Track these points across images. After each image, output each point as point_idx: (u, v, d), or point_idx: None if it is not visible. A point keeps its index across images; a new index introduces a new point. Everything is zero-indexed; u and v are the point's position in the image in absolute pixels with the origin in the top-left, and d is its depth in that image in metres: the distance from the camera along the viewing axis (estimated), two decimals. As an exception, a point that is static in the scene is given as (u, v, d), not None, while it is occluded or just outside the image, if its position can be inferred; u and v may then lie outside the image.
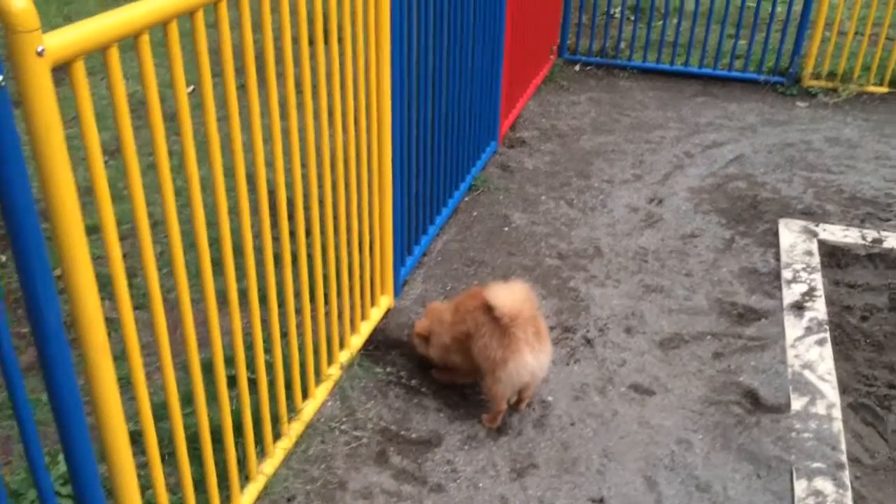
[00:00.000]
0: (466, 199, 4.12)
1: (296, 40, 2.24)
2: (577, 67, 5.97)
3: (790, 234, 3.83)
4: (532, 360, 2.49)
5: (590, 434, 2.65)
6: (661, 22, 6.11)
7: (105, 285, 1.74)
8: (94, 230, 1.67)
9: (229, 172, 2.06)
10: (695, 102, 5.45)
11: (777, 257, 3.66)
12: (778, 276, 3.52)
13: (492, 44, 4.11)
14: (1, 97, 1.33)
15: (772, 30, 5.56)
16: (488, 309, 2.49)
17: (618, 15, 6.49)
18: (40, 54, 1.38)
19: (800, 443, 2.63)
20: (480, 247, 3.72)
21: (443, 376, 2.83)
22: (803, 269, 3.55)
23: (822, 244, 3.75)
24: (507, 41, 4.37)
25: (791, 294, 3.39)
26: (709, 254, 3.69)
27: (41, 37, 1.37)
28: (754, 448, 2.61)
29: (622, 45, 6.08)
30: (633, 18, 6.11)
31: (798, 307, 3.31)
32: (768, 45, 5.59)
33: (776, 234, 3.84)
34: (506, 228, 3.89)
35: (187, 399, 2.41)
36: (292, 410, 2.56)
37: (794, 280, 3.48)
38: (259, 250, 2.28)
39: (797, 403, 2.80)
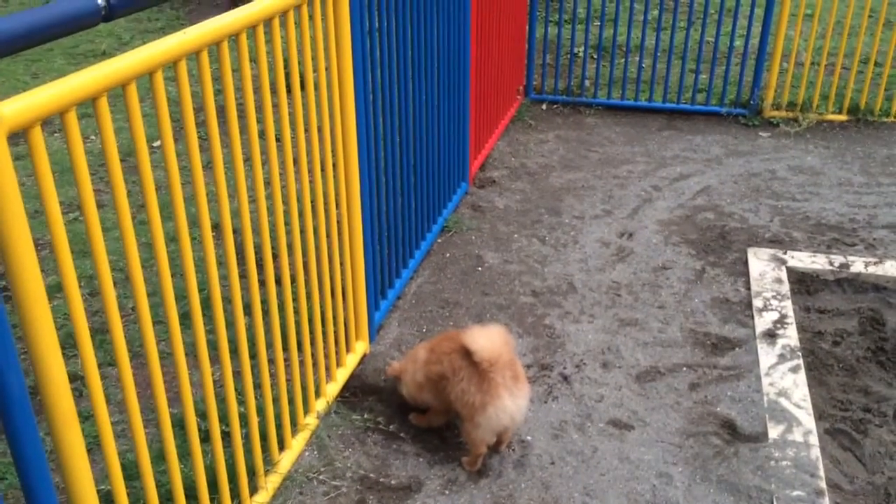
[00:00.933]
0: (439, 240, 4.13)
1: (257, 91, 2.26)
2: (544, 106, 6.06)
3: (759, 263, 3.88)
4: (511, 404, 2.49)
5: (570, 472, 2.64)
6: (623, 59, 6.24)
7: (75, 343, 1.72)
8: (59, 288, 1.66)
9: (197, 223, 2.06)
10: (660, 136, 5.55)
11: (747, 286, 3.70)
12: (749, 304, 3.56)
13: (458, 86, 4.17)
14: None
15: (731, 63, 5.71)
16: (466, 353, 2.50)
17: (581, 54, 6.63)
18: (-5, 122, 1.38)
19: (779, 471, 2.63)
20: (455, 287, 3.73)
21: (420, 421, 2.81)
22: (774, 297, 3.59)
23: (791, 271, 3.81)
24: (473, 84, 4.44)
25: (763, 322, 3.42)
26: (681, 285, 3.73)
27: (-4, 104, 1.38)
28: (734, 479, 2.61)
29: (587, 83, 6.20)
30: (596, 57, 6.25)
31: (770, 335, 3.34)
32: (729, 78, 5.73)
33: (745, 262, 3.89)
34: (479, 268, 3.91)
35: (160, 456, 2.37)
36: (269, 463, 2.52)
37: (766, 308, 3.52)
38: (229, 300, 2.27)
39: (774, 431, 2.81)
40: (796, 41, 5.53)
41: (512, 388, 2.49)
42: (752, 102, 5.73)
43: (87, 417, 2.49)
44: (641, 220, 4.35)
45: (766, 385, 3.04)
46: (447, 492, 2.56)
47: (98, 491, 1.79)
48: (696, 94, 5.81)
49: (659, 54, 5.79)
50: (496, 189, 4.76)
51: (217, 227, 3.64)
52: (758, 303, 3.56)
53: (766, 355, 3.21)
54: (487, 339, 2.48)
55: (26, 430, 1.57)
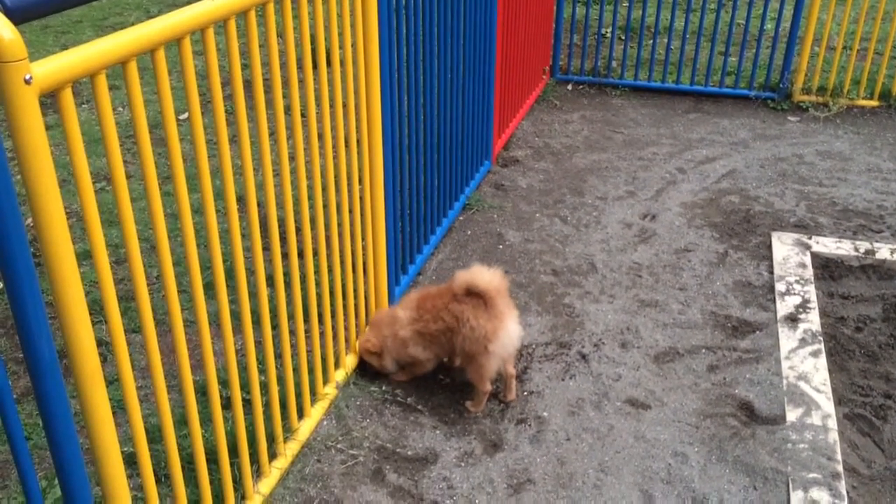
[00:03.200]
0: (461, 217, 4.14)
1: (284, 65, 2.28)
2: (570, 87, 6.03)
3: (783, 247, 3.85)
4: (515, 326, 2.72)
5: (586, 449, 2.65)
6: (651, 41, 6.17)
7: (102, 309, 1.76)
8: (89, 255, 1.70)
9: (222, 195, 2.09)
10: (687, 119, 5.50)
11: (770, 270, 3.67)
12: (772, 288, 3.54)
13: (483, 65, 4.16)
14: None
15: (762, 46, 5.63)
16: (464, 297, 2.68)
17: (609, 35, 6.56)
18: (28, 82, 1.41)
19: (796, 454, 2.63)
20: (476, 263, 3.73)
21: (403, 376, 2.93)
22: (797, 282, 3.57)
23: (816, 256, 3.77)
24: (499, 63, 4.43)
25: (785, 306, 3.40)
26: (702, 268, 3.71)
27: (28, 65, 1.41)
28: (750, 460, 2.61)
29: (614, 63, 6.15)
30: (624, 38, 6.19)
31: (792, 319, 3.32)
32: (758, 62, 5.65)
33: (769, 247, 3.86)
34: (500, 246, 3.92)
35: (182, 421, 2.42)
36: (288, 430, 2.57)
37: (788, 292, 3.50)
38: (252, 272, 2.31)
39: (792, 415, 2.80)
40: (828, 25, 5.44)
41: (513, 314, 2.73)
42: (781, 86, 5.65)
43: (111, 382, 2.54)
44: (665, 203, 4.33)
45: (785, 368, 3.03)
46: (463, 464, 2.59)
47: (122, 453, 1.84)
48: (724, 77, 5.74)
49: (688, 36, 5.71)
50: (519, 168, 4.75)
51: (241, 200, 3.68)
52: (780, 287, 3.53)
53: (787, 339, 3.20)
54: (487, 273, 2.70)
55: (55, 391, 1.61)
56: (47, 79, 1.46)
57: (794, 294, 3.48)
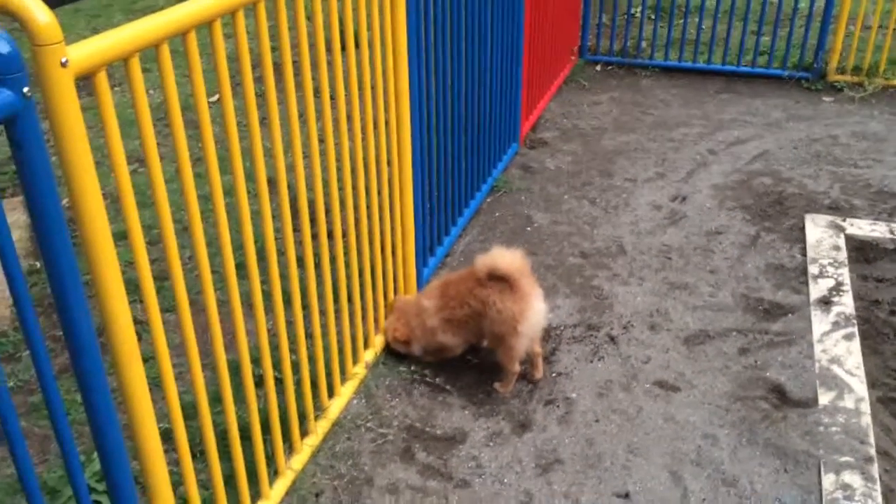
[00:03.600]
0: (488, 200, 4.14)
1: (313, 47, 2.28)
2: (598, 67, 5.97)
3: (817, 230, 3.79)
4: (542, 305, 2.75)
5: (614, 430, 2.66)
6: (682, 20, 6.08)
7: (137, 289, 1.80)
8: (123, 236, 1.73)
9: (253, 178, 2.11)
10: (718, 99, 5.42)
11: (803, 253, 3.62)
12: (804, 271, 3.49)
13: (511, 46, 4.13)
14: (27, 108, 1.38)
15: (795, 25, 5.52)
16: (488, 281, 2.69)
17: (638, 14, 6.47)
18: (64, 65, 1.44)
19: (828, 437, 2.61)
20: (502, 246, 3.73)
21: (432, 358, 2.94)
22: (830, 264, 3.52)
23: (850, 239, 3.71)
24: (527, 43, 4.40)
25: (818, 289, 3.36)
26: (734, 250, 3.67)
27: (64, 49, 1.43)
28: (782, 442, 2.60)
29: (643, 44, 6.07)
30: (654, 17, 6.10)
31: (825, 302, 3.28)
32: (792, 41, 5.55)
33: (802, 229, 3.81)
34: (528, 228, 3.91)
35: (216, 398, 2.47)
36: (319, 408, 2.61)
37: (821, 275, 3.45)
38: (282, 253, 2.33)
39: (825, 398, 2.78)
40: (864, 3, 5.31)
41: (538, 292, 2.76)
42: (815, 66, 5.54)
43: (146, 360, 2.59)
44: (695, 184, 4.28)
45: (818, 352, 2.99)
46: (491, 444, 2.61)
47: (158, 429, 1.88)
48: (757, 57, 5.64)
49: (719, 15, 5.62)
50: (547, 150, 4.73)
51: (272, 182, 3.71)
52: (813, 269, 3.49)
53: (820, 322, 3.16)
54: (508, 254, 2.71)
55: (94, 367, 1.65)
56: (83, 62, 1.49)
57: (828, 277, 3.43)
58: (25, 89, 1.37)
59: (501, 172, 4.35)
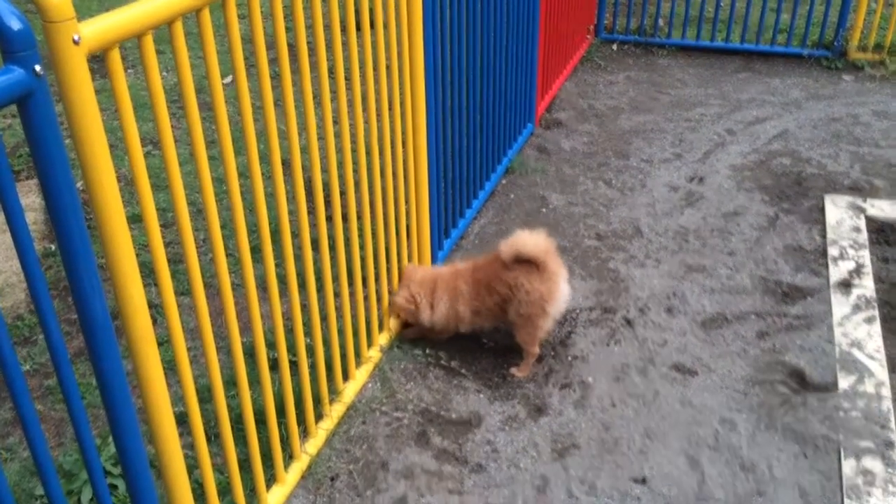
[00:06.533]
0: (503, 181, 4.10)
1: (328, 27, 2.25)
2: (615, 46, 5.88)
3: (837, 211, 3.73)
4: (567, 287, 2.76)
5: (631, 414, 2.63)
6: (700, -3, 5.98)
7: (151, 272, 1.78)
8: (137, 218, 1.71)
9: (267, 160, 2.09)
10: (736, 79, 5.33)
11: (823, 234, 3.57)
12: (824, 253, 3.44)
13: (527, 24, 4.07)
14: (40, 87, 1.36)
15: (815, 3, 5.41)
16: (513, 264, 2.68)
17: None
18: (76, 43, 1.41)
19: (848, 422, 2.58)
20: (518, 229, 3.69)
21: (441, 333, 2.92)
22: (850, 246, 3.46)
23: (871, 220, 3.66)
24: (543, 21, 4.33)
25: (838, 272, 3.31)
26: (752, 232, 3.62)
27: (77, 25, 1.40)
28: (801, 427, 2.56)
29: (660, 22, 5.97)
30: (671, -5, 5.99)
31: (845, 285, 3.23)
32: (812, 19, 5.44)
33: (822, 210, 3.75)
34: (543, 210, 3.87)
35: (231, 382, 2.46)
36: (333, 392, 2.60)
37: (841, 257, 3.40)
38: (296, 235, 2.31)
39: (845, 382, 2.74)
40: (889, -23, 5.20)
41: (564, 273, 2.77)
42: (836, 44, 5.44)
43: (160, 343, 2.59)
44: (713, 165, 4.22)
45: (838, 335, 2.95)
46: (507, 428, 2.59)
47: (173, 412, 1.87)
48: (776, 35, 5.54)
49: (738, -8, 5.52)
50: (563, 131, 4.67)
51: (286, 164, 3.69)
52: (833, 251, 3.43)
53: (840, 305, 3.11)
54: (532, 237, 2.70)
55: (109, 350, 1.64)
56: (95, 39, 1.46)
57: (848, 259, 3.38)
58: (37, 67, 1.35)
59: (516, 153, 4.30)
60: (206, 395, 2.45)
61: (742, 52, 5.64)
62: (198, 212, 3.29)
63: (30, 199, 3.62)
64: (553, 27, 4.60)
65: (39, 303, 1.46)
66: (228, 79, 4.77)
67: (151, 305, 1.75)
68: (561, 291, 2.74)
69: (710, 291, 3.24)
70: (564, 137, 4.59)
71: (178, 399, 2.27)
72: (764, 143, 4.44)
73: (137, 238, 3.31)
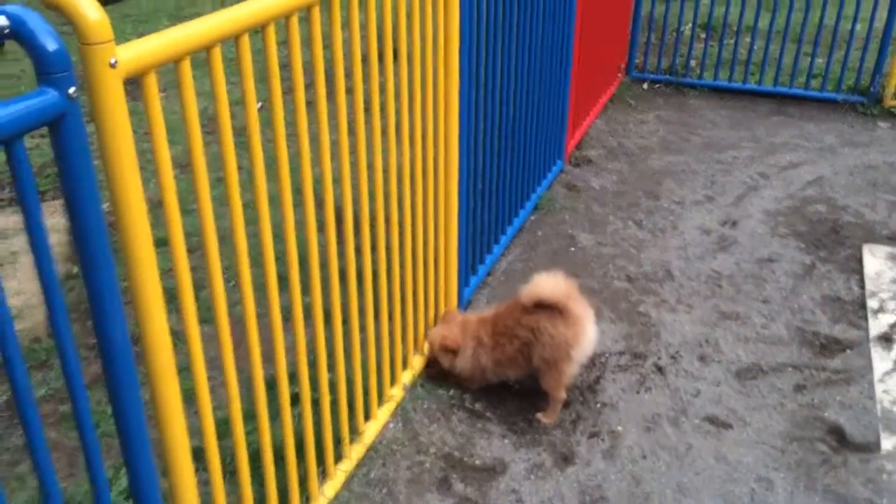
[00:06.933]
0: (532, 218, 4.03)
1: (365, 58, 2.20)
2: (646, 86, 5.84)
3: (875, 261, 3.62)
4: (594, 329, 2.65)
5: (662, 468, 2.52)
6: (732, 39, 5.94)
7: (171, 299, 1.72)
8: (160, 243, 1.65)
9: (298, 188, 2.03)
10: (769, 122, 5.26)
11: (861, 285, 3.46)
12: (863, 304, 3.32)
13: (560, 60, 4.03)
14: (73, 110, 1.31)
15: (851, 48, 5.34)
16: (535, 309, 2.58)
17: (688, 32, 6.33)
18: (113, 66, 1.36)
19: (892, 485, 2.44)
20: (545, 267, 3.59)
21: (473, 384, 2.82)
22: (891, 298, 3.35)
23: (911, 272, 3.54)
24: (576, 58, 4.29)
25: (878, 325, 3.19)
26: (787, 280, 3.52)
27: (114, 48, 1.36)
28: (842, 490, 2.44)
29: (692, 63, 5.93)
30: (704, 36, 5.96)
31: (886, 339, 3.11)
32: (847, 64, 5.37)
33: (860, 260, 3.64)
34: (572, 249, 3.79)
35: (249, 415, 2.38)
36: (354, 432, 2.50)
37: (881, 310, 3.28)
38: (324, 266, 2.24)
39: (888, 443, 2.61)
40: (928, 25, 5.12)
41: (590, 315, 2.65)
42: (872, 90, 5.36)
43: (181, 370, 2.51)
44: (746, 209, 4.13)
45: (879, 392, 2.83)
46: (532, 476, 2.48)
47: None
48: (810, 79, 5.47)
49: (772, 35, 5.46)
50: (592, 169, 4.60)
51: (316, 194, 3.64)
52: (873, 304, 3.32)
53: (881, 360, 2.99)
54: (551, 280, 2.61)
55: (127, 377, 1.57)
56: (132, 63, 1.41)
57: (889, 312, 3.26)
58: (72, 90, 1.30)
59: (545, 190, 4.23)
60: (222, 430, 2.37)
61: (775, 95, 5.57)
62: (220, 238, 3.24)
63: (55, 219, 3.59)
64: (585, 64, 4.56)
65: (58, 329, 1.39)
66: (260, 104, 4.77)
67: (172, 332, 1.69)
68: (587, 335, 2.63)
69: (745, 340, 3.12)
70: (594, 176, 4.52)
71: (193, 431, 2.19)
72: (798, 189, 4.35)
73: (160, 263, 3.27)
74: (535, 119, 3.79)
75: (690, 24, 5.99)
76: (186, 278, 1.70)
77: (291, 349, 2.15)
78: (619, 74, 5.77)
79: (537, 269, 3.58)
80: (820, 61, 5.78)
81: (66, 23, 1.35)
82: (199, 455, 1.98)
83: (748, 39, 6.00)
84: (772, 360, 3.00)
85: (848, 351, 3.05)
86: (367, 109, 2.25)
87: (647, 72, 5.88)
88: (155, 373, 1.66)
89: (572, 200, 4.23)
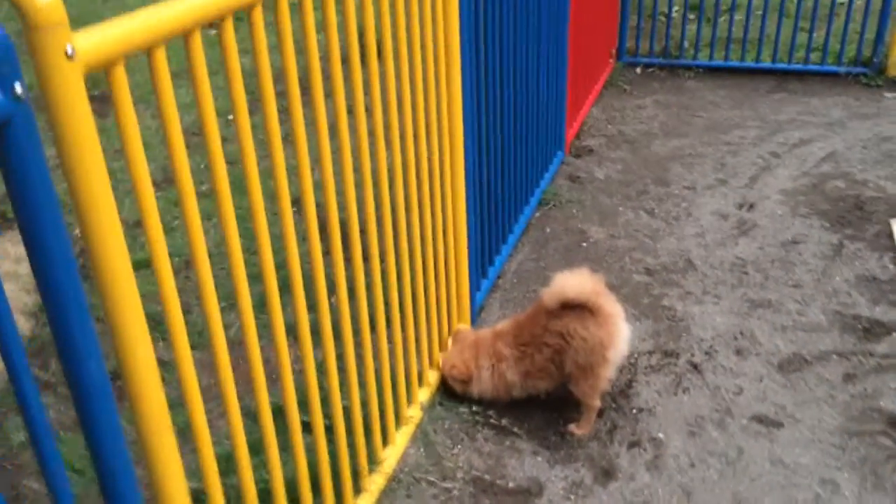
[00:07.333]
0: (537, 214, 3.80)
1: (363, 54, 1.96)
2: (639, 70, 5.63)
3: (906, 236, 3.42)
4: (627, 327, 2.43)
5: (714, 477, 2.29)
6: (725, 17, 5.74)
7: (154, 326, 1.47)
8: (137, 265, 1.40)
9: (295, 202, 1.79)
10: (772, 99, 5.06)
11: None
12: (900, 283, 3.12)
13: (556, 49, 3.81)
14: (21, 112, 1.06)
15: (850, 19, 5.16)
16: (562, 311, 2.37)
17: (678, 14, 6.13)
18: (70, 56, 1.11)
19: (965, 479, 2.23)
20: (558, 265, 3.38)
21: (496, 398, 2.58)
22: (929, 274, 3.14)
23: (945, 245, 3.34)
24: (571, 44, 4.07)
25: (919, 303, 2.98)
26: (817, 261, 3.30)
27: (70, 34, 1.11)
28: (912, 487, 2.22)
29: (685, 43, 5.72)
30: (694, 17, 5.77)
31: (931, 318, 2.90)
32: (847, 35, 5.18)
33: (890, 235, 3.43)
34: (584, 244, 3.56)
35: (254, 449, 2.13)
36: (373, 461, 2.25)
37: (921, 287, 3.07)
38: (330, 279, 1.99)
39: (953, 431, 2.40)
40: (928, -10, 4.95)
41: (621, 311, 2.44)
42: (874, 60, 5.18)
43: (172, 405, 2.27)
44: (762, 190, 3.92)
45: (934, 376, 2.62)
46: (572, 496, 2.25)
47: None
48: (809, 53, 5.28)
49: (768, 11, 5.26)
50: (594, 158, 4.38)
51: (320, 207, 3.39)
52: (911, 281, 3.11)
53: (931, 342, 2.78)
54: (576, 278, 2.39)
55: (105, 417, 1.32)
56: (94, 52, 1.16)
57: (929, 289, 3.06)
58: (17, 86, 1.05)
59: (549, 184, 4.00)
60: (225, 467, 2.12)
61: (774, 71, 5.38)
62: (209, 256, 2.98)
63: (21, 248, 3.32)
64: (580, 50, 4.34)
65: (18, 378, 1.14)
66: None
67: (158, 363, 1.45)
68: (621, 334, 2.41)
69: (782, 329, 2.90)
70: (597, 165, 4.30)
71: (193, 472, 1.94)
72: (813, 166, 4.14)
73: (140, 287, 3.01)
74: (536, 110, 3.56)
75: (682, 6, 5.79)
76: (174, 299, 1.45)
77: (299, 373, 1.90)
78: (611, 60, 5.56)
79: (550, 268, 3.35)
80: (818, 34, 5.59)
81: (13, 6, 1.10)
82: (199, 496, 1.74)
83: (740, 17, 5.81)
84: (814, 349, 2.79)
85: (894, 334, 2.84)
86: (367, 109, 2.01)
87: (640, 56, 5.67)
88: (141, 408, 1.41)
89: (578, 193, 4.00)
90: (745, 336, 2.88)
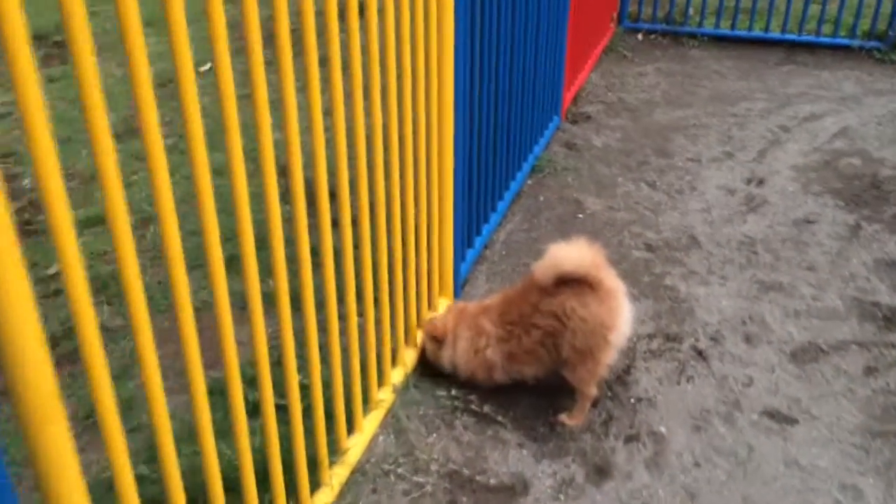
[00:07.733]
0: (530, 181, 3.51)
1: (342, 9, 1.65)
2: (640, 36, 5.32)
3: (927, 218, 3.16)
4: (629, 307, 2.16)
5: (722, 478, 2.03)
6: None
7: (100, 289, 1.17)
8: (90, 223, 1.10)
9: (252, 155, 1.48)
10: (780, 71, 4.78)
11: (916, 246, 3.00)
12: (922, 268, 2.86)
13: (556, 8, 3.49)
14: None
15: (866, -11, 4.88)
16: (559, 287, 2.08)
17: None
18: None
19: None
20: (551, 236, 3.10)
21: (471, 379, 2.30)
22: (953, 260, 2.89)
23: (969, 229, 3.09)
24: (572, 5, 3.75)
25: (943, 291, 2.73)
26: (832, 242, 3.04)
27: None
28: (942, 496, 1.97)
29: (690, 10, 5.42)
30: (702, -19, 5.46)
31: (956, 307, 2.65)
32: (862, 9, 4.90)
33: (910, 218, 3.18)
34: (580, 215, 3.27)
35: (182, 437, 1.83)
36: (334, 451, 1.97)
37: (944, 273, 2.82)
38: (290, 243, 1.69)
39: None
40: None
41: (622, 287, 2.16)
42: (889, 34, 4.90)
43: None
44: (772, 165, 3.65)
45: (963, 372, 2.37)
46: (562, 496, 1.98)
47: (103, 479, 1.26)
48: (821, 25, 4.99)
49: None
50: (592, 125, 4.09)
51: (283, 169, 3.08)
52: (934, 267, 2.86)
53: (958, 334, 2.53)
54: (574, 249, 2.11)
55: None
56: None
57: (954, 276, 2.80)
58: None
59: (543, 150, 3.71)
60: (147, 456, 1.82)
61: (783, 42, 5.10)
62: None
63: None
64: (579, 12, 4.02)
65: None
66: (207, 66, 4.17)
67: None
68: (624, 314, 2.14)
69: (795, 315, 2.64)
70: (594, 133, 4.01)
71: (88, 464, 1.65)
72: (825, 142, 3.87)
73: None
74: (532, 69, 3.26)
75: (687, -31, 5.47)
76: (131, 257, 1.16)
77: (247, 344, 1.61)
78: (612, 24, 5.25)
79: (542, 239, 3.07)
80: (832, 6, 5.30)
81: None
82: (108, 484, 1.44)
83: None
84: (830, 338, 2.53)
85: (917, 323, 2.59)
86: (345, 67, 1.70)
87: (642, 21, 5.37)
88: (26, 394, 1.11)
89: (574, 160, 3.71)
90: (755, 321, 2.62)
